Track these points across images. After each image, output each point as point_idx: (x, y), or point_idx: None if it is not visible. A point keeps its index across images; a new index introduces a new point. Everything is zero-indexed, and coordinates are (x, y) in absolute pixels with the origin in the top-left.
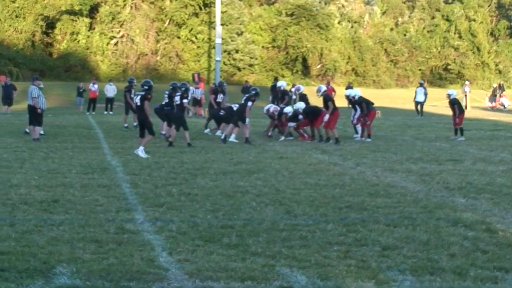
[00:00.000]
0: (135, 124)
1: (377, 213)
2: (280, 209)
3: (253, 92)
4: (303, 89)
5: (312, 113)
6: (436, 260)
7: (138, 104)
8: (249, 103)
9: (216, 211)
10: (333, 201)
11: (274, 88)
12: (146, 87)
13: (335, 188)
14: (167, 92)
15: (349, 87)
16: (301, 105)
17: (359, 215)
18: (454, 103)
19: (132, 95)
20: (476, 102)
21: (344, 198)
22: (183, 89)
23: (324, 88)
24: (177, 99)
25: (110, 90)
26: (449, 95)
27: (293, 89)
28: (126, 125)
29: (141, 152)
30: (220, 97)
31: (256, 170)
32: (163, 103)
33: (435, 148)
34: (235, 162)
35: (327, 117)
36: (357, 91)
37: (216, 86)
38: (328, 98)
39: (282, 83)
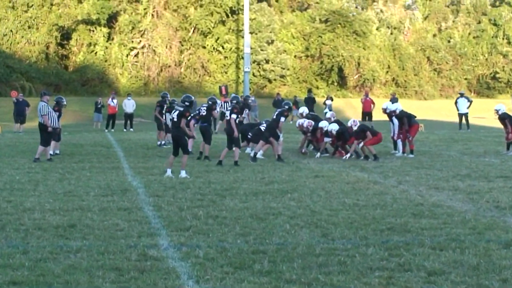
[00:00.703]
0: (159, 142)
1: (421, 235)
2: (316, 232)
3: (286, 106)
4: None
5: (343, 136)
6: (487, 286)
7: (175, 120)
8: (282, 118)
9: (246, 235)
10: (373, 222)
11: (308, 100)
12: (187, 103)
13: (376, 208)
14: (204, 106)
15: (393, 99)
16: (334, 126)
17: (402, 237)
18: (504, 118)
19: (164, 111)
20: None
21: (385, 219)
22: (210, 102)
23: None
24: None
25: (129, 105)
26: (497, 111)
27: (327, 102)
28: (160, 142)
29: (184, 174)
30: (245, 113)
31: (289, 190)
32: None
33: (484, 164)
34: (267, 182)
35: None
36: (398, 105)
37: (238, 101)
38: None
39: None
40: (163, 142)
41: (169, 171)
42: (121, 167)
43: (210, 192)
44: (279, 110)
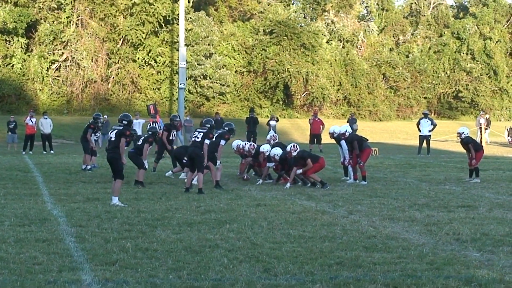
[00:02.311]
0: (84, 166)
1: (374, 270)
2: (257, 267)
3: (227, 128)
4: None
5: (287, 161)
6: None
7: (113, 139)
8: (222, 142)
9: (179, 270)
10: (321, 256)
11: (250, 121)
12: (125, 122)
13: (324, 241)
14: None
15: (352, 119)
16: (277, 151)
17: (353, 273)
18: (468, 142)
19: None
20: (493, 136)
21: (334, 253)
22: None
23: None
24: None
25: (46, 124)
26: (460, 134)
27: (271, 123)
28: (85, 166)
29: (116, 201)
30: (173, 134)
31: (228, 220)
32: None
33: (444, 192)
34: (203, 211)
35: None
36: (347, 127)
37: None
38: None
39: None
40: (88, 167)
41: (116, 199)
42: (40, 193)
43: (139, 222)
44: (219, 132)
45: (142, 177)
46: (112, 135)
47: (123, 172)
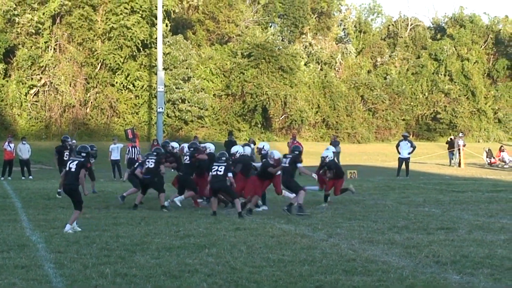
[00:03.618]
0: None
1: None
2: None
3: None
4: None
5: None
6: None
7: (73, 170)
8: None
9: None
10: (300, 280)
11: (228, 144)
12: (83, 154)
13: (303, 264)
14: (219, 165)
15: (335, 142)
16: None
17: None
18: (331, 167)
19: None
20: (472, 157)
21: (314, 276)
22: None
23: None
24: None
25: (24, 150)
26: (324, 158)
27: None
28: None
29: (69, 229)
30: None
31: (207, 245)
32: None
33: (423, 214)
34: (182, 235)
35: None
36: (330, 153)
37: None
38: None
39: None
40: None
41: (70, 227)
42: (19, 219)
43: (118, 247)
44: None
45: (163, 201)
46: (72, 166)
47: (81, 204)
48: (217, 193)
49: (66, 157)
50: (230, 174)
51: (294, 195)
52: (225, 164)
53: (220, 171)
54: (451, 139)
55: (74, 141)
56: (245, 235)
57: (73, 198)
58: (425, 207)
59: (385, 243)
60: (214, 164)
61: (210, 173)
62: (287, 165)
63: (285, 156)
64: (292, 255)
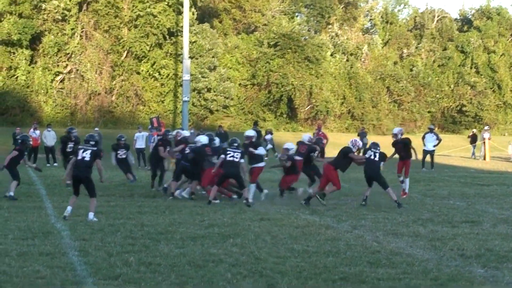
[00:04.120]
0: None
1: (378, 286)
2: (260, 282)
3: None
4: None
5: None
6: None
7: (86, 159)
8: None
9: (183, 285)
10: (325, 271)
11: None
12: (92, 142)
13: (328, 256)
14: (234, 151)
15: (362, 133)
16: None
17: None
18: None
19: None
20: (497, 150)
21: (338, 268)
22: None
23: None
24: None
25: (49, 137)
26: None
27: (267, 137)
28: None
29: (93, 217)
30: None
31: (231, 235)
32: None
33: (448, 207)
34: (206, 225)
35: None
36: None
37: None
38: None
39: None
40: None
41: (69, 209)
42: (44, 207)
43: (142, 236)
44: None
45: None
46: (86, 155)
47: (95, 190)
48: (225, 181)
49: (69, 148)
50: (242, 161)
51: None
52: (240, 151)
53: (237, 158)
54: (473, 132)
55: (96, 128)
56: (269, 226)
57: (87, 186)
58: (450, 200)
59: (409, 235)
60: (228, 149)
61: (223, 157)
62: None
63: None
64: (317, 246)
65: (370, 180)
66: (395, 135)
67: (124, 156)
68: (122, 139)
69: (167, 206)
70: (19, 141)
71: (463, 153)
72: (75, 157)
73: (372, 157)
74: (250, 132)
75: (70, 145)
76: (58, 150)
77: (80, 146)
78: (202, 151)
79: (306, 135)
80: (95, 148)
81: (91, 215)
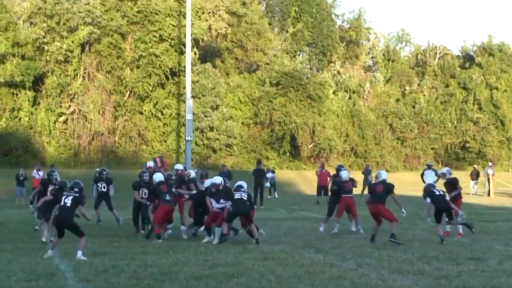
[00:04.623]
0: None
1: None
2: None
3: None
4: None
5: None
6: None
7: (68, 205)
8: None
9: None
10: None
11: (257, 173)
12: (76, 189)
13: None
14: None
15: (367, 171)
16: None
17: None
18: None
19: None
20: (501, 186)
21: None
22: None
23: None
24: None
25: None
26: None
27: (268, 175)
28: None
29: (80, 254)
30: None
31: (236, 274)
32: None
33: (452, 244)
34: (210, 265)
35: None
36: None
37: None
38: None
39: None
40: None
41: (50, 252)
42: (47, 248)
43: (146, 276)
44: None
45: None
46: (68, 201)
47: (81, 229)
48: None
49: (49, 192)
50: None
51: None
52: (76, 195)
53: (245, 197)
54: (474, 167)
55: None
56: (273, 265)
57: (71, 230)
58: (455, 236)
59: (414, 273)
60: (236, 192)
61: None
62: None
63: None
64: (321, 285)
65: (441, 213)
66: (443, 174)
67: (105, 190)
68: (104, 172)
69: (170, 246)
70: (57, 187)
71: (467, 190)
72: (58, 204)
73: (437, 193)
74: (217, 180)
75: (51, 187)
76: (34, 194)
77: (64, 193)
78: (157, 189)
79: (345, 172)
80: (77, 195)
81: (79, 253)
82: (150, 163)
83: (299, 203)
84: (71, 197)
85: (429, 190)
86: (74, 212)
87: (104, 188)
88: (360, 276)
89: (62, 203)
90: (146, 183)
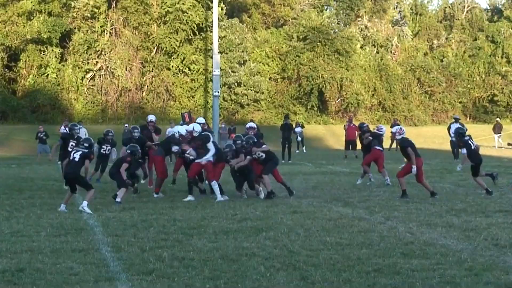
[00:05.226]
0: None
1: (412, 277)
2: (294, 275)
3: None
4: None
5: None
6: None
7: (76, 160)
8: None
9: (216, 279)
10: (358, 263)
11: (284, 127)
12: (86, 144)
13: (361, 248)
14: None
15: (395, 124)
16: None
17: (391, 280)
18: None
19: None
20: None
21: (371, 259)
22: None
23: None
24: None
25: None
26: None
27: (297, 130)
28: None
29: (85, 204)
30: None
31: (264, 228)
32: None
33: (481, 197)
34: (239, 219)
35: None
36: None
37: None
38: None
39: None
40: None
41: (63, 207)
42: (76, 203)
43: (175, 231)
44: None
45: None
46: (76, 156)
47: (89, 183)
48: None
49: (70, 147)
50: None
51: None
52: (85, 150)
53: (76, 158)
54: (497, 121)
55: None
56: (302, 218)
57: (79, 184)
58: (483, 190)
59: (443, 226)
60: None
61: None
62: None
63: None
64: (350, 238)
65: (478, 167)
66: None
67: (107, 152)
68: (110, 134)
69: (199, 201)
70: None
71: (493, 142)
72: (68, 158)
73: (473, 146)
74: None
75: (72, 143)
76: (56, 147)
77: (75, 148)
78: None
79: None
80: (86, 151)
81: (84, 203)
82: (152, 117)
83: (327, 158)
84: (79, 152)
85: (466, 142)
86: (80, 166)
87: (108, 151)
88: (388, 229)
89: (71, 158)
90: (136, 140)
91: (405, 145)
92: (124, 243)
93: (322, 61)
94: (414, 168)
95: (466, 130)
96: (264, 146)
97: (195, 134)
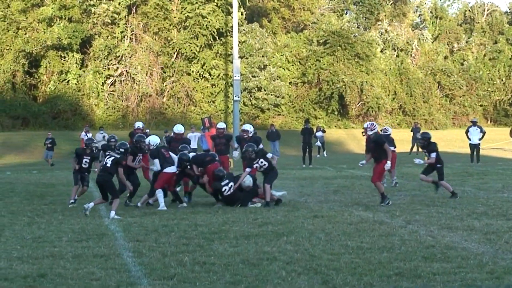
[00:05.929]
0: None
1: (433, 281)
2: (315, 279)
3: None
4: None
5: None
6: None
7: (108, 165)
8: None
9: (237, 283)
10: (379, 267)
11: (305, 132)
12: (122, 149)
13: (382, 251)
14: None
15: (415, 128)
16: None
17: (412, 283)
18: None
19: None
20: None
21: (393, 263)
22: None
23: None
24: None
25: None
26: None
27: (318, 134)
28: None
29: (113, 214)
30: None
31: (285, 232)
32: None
33: (502, 200)
34: (260, 223)
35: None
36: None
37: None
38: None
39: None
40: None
41: (90, 204)
42: (97, 208)
43: (196, 235)
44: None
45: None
46: (108, 161)
47: (116, 190)
48: (101, 188)
49: (85, 164)
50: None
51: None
52: (117, 156)
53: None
54: None
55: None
56: (323, 223)
57: (107, 190)
58: (504, 193)
59: (464, 229)
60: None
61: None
62: None
63: None
64: (371, 242)
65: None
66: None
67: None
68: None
69: (220, 205)
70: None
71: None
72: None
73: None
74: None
75: (87, 159)
76: (74, 162)
77: (109, 153)
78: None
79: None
80: (118, 156)
81: (112, 213)
82: (139, 124)
83: (348, 162)
84: (112, 158)
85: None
86: (112, 173)
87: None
88: (409, 233)
89: (104, 163)
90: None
91: (381, 141)
92: (146, 248)
93: (342, 65)
94: (388, 163)
95: (485, 133)
96: (268, 154)
97: (151, 148)
